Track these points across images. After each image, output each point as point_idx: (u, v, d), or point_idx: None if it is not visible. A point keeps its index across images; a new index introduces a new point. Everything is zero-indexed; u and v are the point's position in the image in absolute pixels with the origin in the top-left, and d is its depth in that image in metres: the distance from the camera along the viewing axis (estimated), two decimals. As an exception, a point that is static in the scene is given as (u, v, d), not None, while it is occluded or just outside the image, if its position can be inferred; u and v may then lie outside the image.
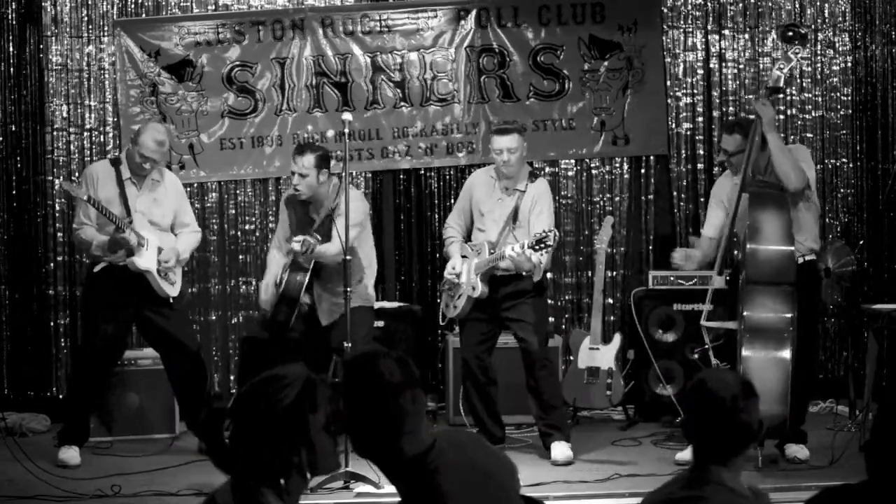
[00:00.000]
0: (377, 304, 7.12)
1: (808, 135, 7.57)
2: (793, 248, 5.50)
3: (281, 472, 2.47)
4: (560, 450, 5.90)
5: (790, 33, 5.85)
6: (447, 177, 7.65)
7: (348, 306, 5.66)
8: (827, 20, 7.64)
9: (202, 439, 6.10)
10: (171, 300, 6.09)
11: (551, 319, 7.11)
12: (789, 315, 5.40)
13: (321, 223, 6.10)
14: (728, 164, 5.94)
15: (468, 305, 6.06)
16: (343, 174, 5.80)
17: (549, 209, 6.09)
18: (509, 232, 6.05)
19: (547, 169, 7.47)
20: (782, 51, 5.93)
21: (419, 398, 2.64)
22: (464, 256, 6.15)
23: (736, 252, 5.77)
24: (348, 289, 5.67)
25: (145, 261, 5.95)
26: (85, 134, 7.47)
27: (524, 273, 5.95)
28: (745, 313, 5.44)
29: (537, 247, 5.67)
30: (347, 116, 5.80)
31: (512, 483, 2.76)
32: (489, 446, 2.91)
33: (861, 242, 7.57)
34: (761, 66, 7.60)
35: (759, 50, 7.62)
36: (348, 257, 5.71)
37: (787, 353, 5.35)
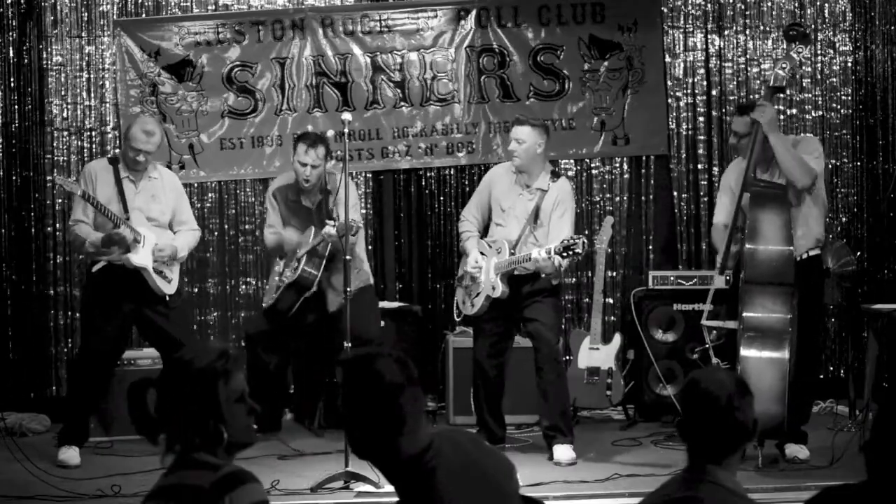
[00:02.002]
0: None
1: (808, 135, 7.56)
2: (791, 248, 5.48)
3: (198, 438, 2.58)
4: (563, 451, 5.88)
5: (792, 32, 5.84)
6: (447, 177, 7.65)
7: (348, 307, 5.66)
8: (827, 20, 7.64)
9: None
10: (168, 298, 6.08)
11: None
12: (788, 316, 5.40)
13: (317, 208, 6.21)
14: (738, 147, 5.91)
15: (487, 304, 6.01)
16: (343, 174, 5.82)
17: (571, 211, 6.04)
18: (530, 231, 6.01)
19: (551, 167, 7.46)
20: (784, 50, 5.93)
21: (419, 398, 2.65)
22: (481, 252, 6.11)
23: (733, 248, 5.75)
24: (349, 288, 5.68)
25: (140, 258, 5.93)
26: (85, 134, 7.48)
27: (543, 275, 5.93)
28: (743, 314, 5.43)
29: (565, 253, 5.64)
30: (347, 116, 5.80)
31: (509, 482, 2.76)
32: (487, 446, 2.91)
33: (861, 243, 7.58)
34: (761, 66, 7.60)
35: (760, 50, 7.63)
36: (349, 257, 5.73)
37: (785, 354, 5.35)
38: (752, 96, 7.55)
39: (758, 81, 7.59)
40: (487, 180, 6.30)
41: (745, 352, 5.37)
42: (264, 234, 6.63)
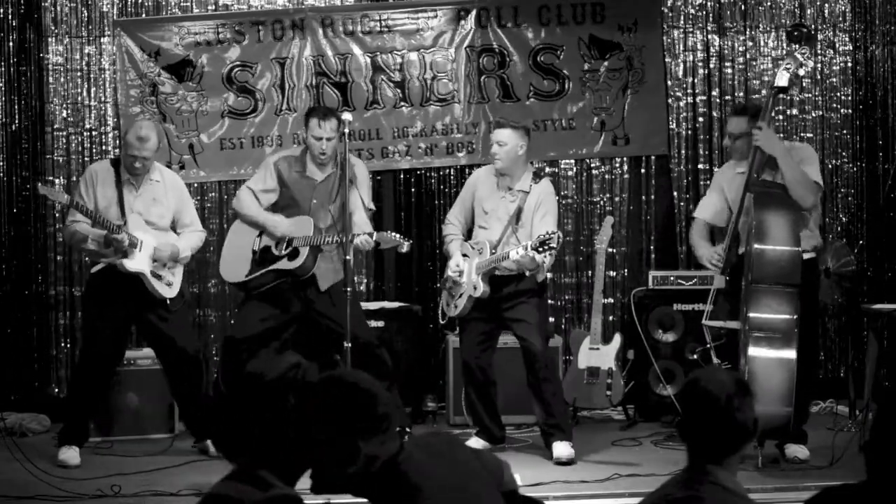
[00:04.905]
0: (377, 304, 7.16)
1: (808, 135, 7.58)
2: (799, 249, 5.49)
3: (275, 454, 2.53)
4: (562, 449, 5.90)
5: (797, 33, 5.86)
6: (447, 177, 7.65)
7: (348, 305, 5.67)
8: (827, 20, 7.64)
9: (204, 433, 6.11)
10: (168, 301, 6.07)
11: (551, 319, 7.11)
12: (794, 317, 5.41)
13: (324, 182, 6.15)
14: (732, 149, 5.92)
15: (469, 305, 6.05)
16: (344, 175, 5.82)
17: (553, 212, 6.10)
18: (512, 232, 6.04)
19: (547, 169, 7.46)
20: (789, 50, 5.93)
21: (393, 404, 2.66)
22: (464, 255, 6.15)
23: (741, 250, 5.77)
24: (347, 289, 5.69)
25: (136, 262, 5.91)
26: (85, 134, 7.47)
27: (527, 273, 5.96)
28: (749, 314, 5.44)
29: (541, 248, 5.68)
30: (347, 116, 5.82)
31: (482, 480, 2.75)
32: (464, 447, 2.90)
33: (861, 242, 7.58)
34: (761, 66, 7.60)
35: (760, 50, 7.63)
36: (349, 257, 5.74)
37: (792, 354, 5.36)
38: (752, 96, 7.56)
39: (757, 81, 7.60)
40: (471, 183, 6.35)
41: (753, 352, 5.37)
42: (241, 191, 6.34)
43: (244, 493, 2.45)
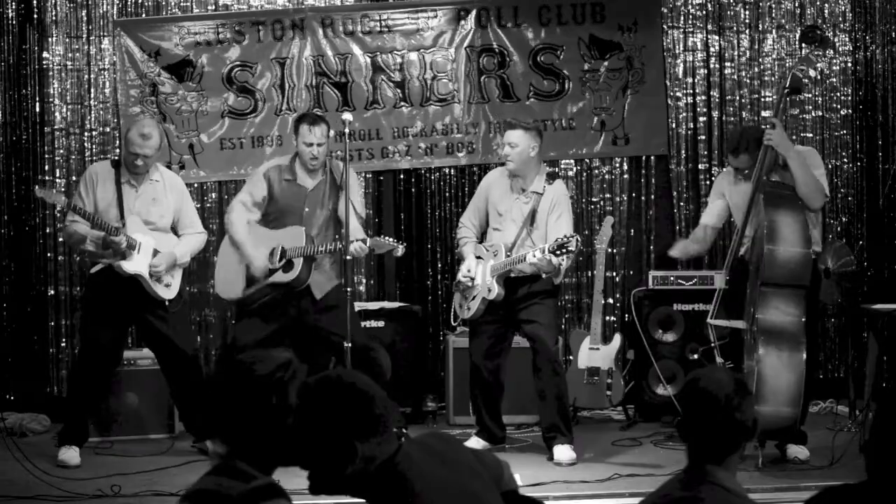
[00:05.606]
0: (377, 304, 7.15)
1: (808, 134, 7.58)
2: (809, 250, 5.51)
3: (254, 446, 2.54)
4: (563, 452, 5.89)
5: (811, 35, 5.87)
6: (447, 177, 7.65)
7: (348, 306, 5.66)
8: (827, 20, 7.64)
9: (204, 433, 6.11)
10: (167, 302, 6.06)
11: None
12: (802, 318, 5.43)
13: (314, 190, 6.13)
14: (743, 175, 5.90)
15: (483, 307, 6.02)
16: (344, 176, 5.82)
17: (567, 213, 6.08)
18: (527, 234, 6.02)
19: (547, 169, 7.45)
20: (805, 52, 5.92)
21: (389, 404, 2.66)
22: (478, 257, 6.12)
23: (744, 252, 5.77)
24: (348, 289, 5.69)
25: (134, 264, 5.91)
26: (85, 134, 7.48)
27: (544, 275, 5.94)
28: (758, 315, 5.44)
29: (559, 252, 5.66)
30: (347, 116, 5.81)
31: (481, 480, 2.75)
32: (463, 446, 2.89)
33: (861, 242, 7.58)
34: (761, 66, 7.60)
35: (759, 50, 7.63)
36: (349, 257, 5.74)
37: (801, 356, 5.38)
38: (752, 97, 7.56)
39: (757, 82, 7.60)
40: (484, 186, 6.33)
41: (762, 353, 5.37)
42: (233, 205, 6.27)
43: (227, 487, 2.47)
